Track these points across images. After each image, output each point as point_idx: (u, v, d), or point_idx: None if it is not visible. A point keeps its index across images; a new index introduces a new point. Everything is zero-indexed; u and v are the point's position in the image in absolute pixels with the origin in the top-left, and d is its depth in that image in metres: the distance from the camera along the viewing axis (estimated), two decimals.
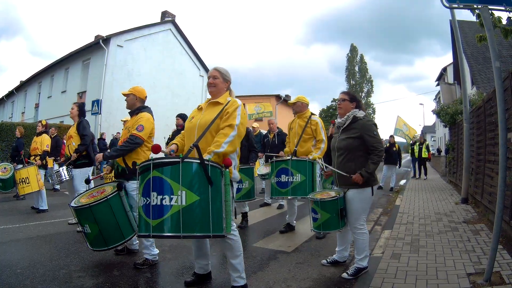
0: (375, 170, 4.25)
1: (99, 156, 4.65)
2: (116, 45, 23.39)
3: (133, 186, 4.52)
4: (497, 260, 4.23)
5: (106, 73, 22.55)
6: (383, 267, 4.51)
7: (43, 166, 8.73)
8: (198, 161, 3.07)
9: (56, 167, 9.38)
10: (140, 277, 4.23)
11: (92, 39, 24.83)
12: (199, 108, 3.89)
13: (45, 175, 8.69)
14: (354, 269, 4.30)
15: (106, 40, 22.94)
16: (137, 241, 5.06)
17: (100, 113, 18.88)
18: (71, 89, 26.12)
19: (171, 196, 2.92)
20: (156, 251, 4.68)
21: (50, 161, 9.97)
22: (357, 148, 4.24)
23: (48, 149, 8.88)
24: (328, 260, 4.79)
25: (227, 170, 3.24)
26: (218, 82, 3.79)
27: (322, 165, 4.78)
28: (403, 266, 4.55)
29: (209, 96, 3.90)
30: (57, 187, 12.00)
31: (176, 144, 3.82)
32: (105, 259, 4.83)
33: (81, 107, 6.93)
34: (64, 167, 6.64)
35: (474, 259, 4.63)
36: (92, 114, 18.25)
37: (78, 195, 4.76)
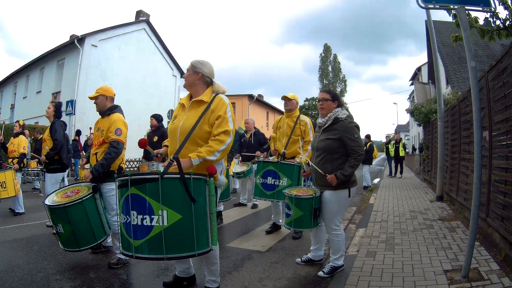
0: (354, 168, 4.13)
1: (88, 175, 4.45)
2: (91, 44, 22.93)
3: (107, 187, 4.50)
4: (474, 257, 4.25)
5: (80, 73, 22.08)
6: (359, 265, 4.48)
7: (20, 169, 8.48)
8: (179, 176, 2.85)
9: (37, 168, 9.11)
10: (116, 279, 4.16)
11: (67, 39, 24.33)
12: (181, 105, 3.59)
13: (22, 178, 8.43)
14: (329, 268, 4.25)
15: (81, 39, 22.47)
16: (110, 240, 4.93)
17: (74, 114, 18.54)
18: (46, 90, 25.56)
19: (152, 216, 2.73)
20: None
21: (34, 163, 9.71)
22: (336, 149, 4.12)
23: (25, 151, 8.65)
24: (303, 259, 4.73)
25: (212, 179, 3.05)
26: (187, 76, 3.53)
27: (306, 161, 4.65)
28: (378, 264, 4.52)
29: (182, 94, 3.72)
30: (38, 185, 11.60)
31: (166, 146, 3.61)
32: (81, 261, 4.76)
33: (57, 107, 6.66)
34: (37, 169, 6.50)
35: (450, 256, 4.62)
36: (66, 114, 17.94)
37: (52, 193, 4.61)
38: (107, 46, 24.21)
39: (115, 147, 4.46)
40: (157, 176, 2.77)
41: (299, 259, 4.75)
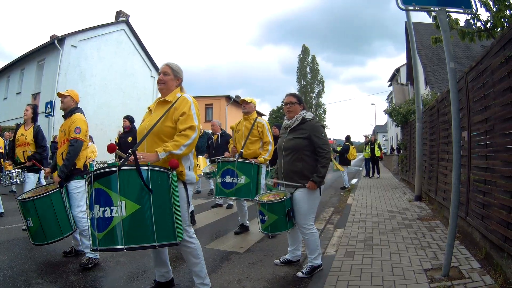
0: (326, 167, 4.20)
1: (57, 179, 4.57)
2: (70, 45, 22.48)
3: (73, 185, 4.65)
4: (455, 256, 4.27)
5: (59, 74, 21.63)
6: (337, 265, 4.45)
7: None
8: (135, 167, 2.87)
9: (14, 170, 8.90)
10: (96, 282, 4.15)
11: (48, 39, 23.86)
12: (149, 109, 3.66)
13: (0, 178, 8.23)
14: (308, 268, 4.24)
15: (61, 40, 22.03)
16: (90, 247, 4.88)
17: (53, 115, 18.20)
18: (26, 91, 25.03)
19: (112, 208, 2.78)
20: None
21: (6, 164, 9.49)
22: (305, 148, 4.21)
23: (2, 150, 8.47)
24: (281, 259, 4.73)
25: (174, 172, 3.08)
26: (168, 79, 3.54)
27: (277, 181, 4.65)
28: (357, 263, 4.50)
29: (159, 95, 3.67)
30: (12, 188, 11.31)
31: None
32: (62, 264, 4.71)
33: (35, 109, 6.66)
34: (16, 170, 6.43)
35: (430, 255, 4.62)
36: (45, 116, 17.70)
37: (25, 192, 4.94)
38: (87, 47, 23.81)
39: (73, 145, 4.60)
40: (115, 169, 2.83)
41: (278, 260, 4.74)
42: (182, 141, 3.16)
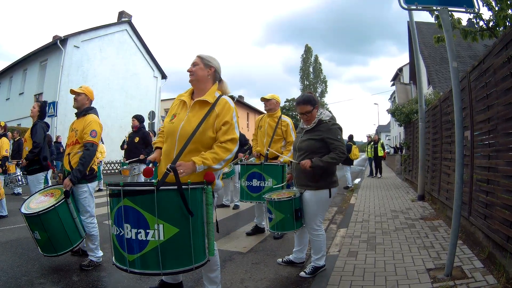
0: (332, 169, 4.15)
1: (68, 183, 4.31)
2: (73, 45, 22.60)
3: (80, 190, 4.47)
4: (457, 255, 4.26)
5: (62, 75, 21.71)
6: (340, 265, 4.45)
7: (3, 172, 8.27)
8: (176, 187, 2.61)
9: (18, 171, 8.90)
10: (99, 282, 4.14)
11: (50, 40, 23.91)
12: (182, 102, 3.26)
13: (4, 180, 8.24)
14: (311, 268, 4.22)
15: (64, 40, 22.12)
16: (114, 262, 4.83)
17: (56, 115, 18.25)
18: (28, 91, 25.14)
19: (147, 231, 2.55)
20: (101, 253, 4.65)
21: (12, 166, 9.52)
22: (318, 149, 4.06)
23: (7, 154, 8.43)
24: (284, 259, 4.71)
25: (210, 187, 2.83)
26: (197, 69, 3.18)
27: (290, 161, 4.58)
28: (360, 263, 4.49)
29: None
30: (19, 190, 11.33)
31: (158, 148, 3.34)
32: (65, 264, 4.70)
33: (42, 107, 6.43)
34: (19, 174, 6.39)
35: (433, 255, 4.62)
36: (48, 116, 17.58)
37: (27, 199, 4.54)
38: (89, 47, 23.89)
39: (89, 149, 4.41)
40: (152, 188, 2.58)
41: (280, 260, 4.73)
42: (223, 156, 2.91)
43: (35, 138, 6.21)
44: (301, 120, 4.32)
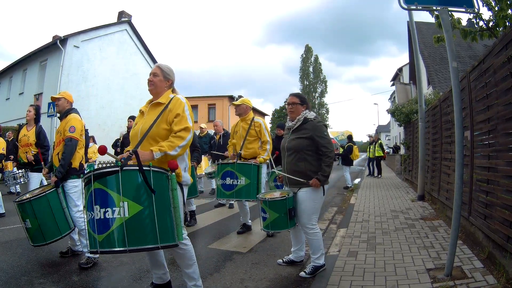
0: (330, 166, 4.21)
1: (54, 179, 4.61)
2: (73, 45, 22.55)
3: (70, 185, 4.70)
4: (457, 255, 4.26)
5: (62, 74, 21.67)
6: (340, 265, 4.46)
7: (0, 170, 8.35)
8: (137, 168, 2.85)
9: (15, 169, 8.92)
10: (98, 282, 4.18)
11: (50, 40, 23.90)
12: (141, 112, 3.63)
13: (2, 178, 8.29)
14: (311, 268, 4.24)
15: (64, 40, 22.09)
16: (79, 243, 5.02)
17: (56, 115, 18.22)
18: (28, 91, 25.07)
19: (114, 208, 2.73)
20: None
21: (9, 164, 9.59)
22: (307, 148, 4.21)
23: (4, 152, 8.50)
24: (284, 260, 4.73)
25: (173, 173, 3.06)
26: (157, 80, 3.52)
27: (278, 172, 4.67)
28: (360, 263, 4.49)
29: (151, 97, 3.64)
30: (17, 188, 11.33)
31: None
32: (64, 264, 4.74)
33: (38, 110, 6.70)
34: (20, 171, 6.50)
35: (433, 255, 4.62)
36: (48, 116, 17.74)
37: (22, 195, 4.82)
38: (89, 47, 23.85)
39: (67, 144, 4.66)
40: (117, 168, 2.79)
41: (281, 260, 4.75)
42: (177, 142, 3.16)
43: (45, 142, 6.56)
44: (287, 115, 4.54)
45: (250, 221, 6.58)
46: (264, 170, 6.19)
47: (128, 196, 2.76)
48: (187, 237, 3.39)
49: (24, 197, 4.58)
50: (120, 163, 3.00)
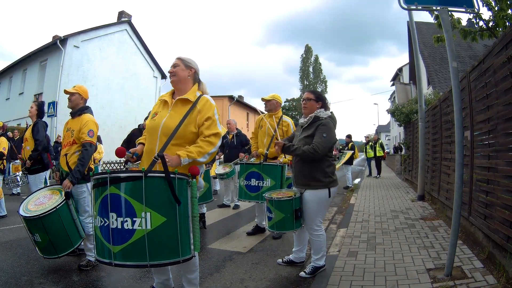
0: (331, 169, 4.13)
1: (68, 184, 4.28)
2: (73, 45, 22.49)
3: (79, 190, 4.47)
4: (457, 255, 4.26)
5: (62, 74, 21.61)
6: (340, 265, 4.45)
7: (1, 171, 8.28)
8: (163, 175, 2.62)
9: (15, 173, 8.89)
10: (98, 282, 4.15)
11: (50, 39, 23.87)
12: (163, 102, 3.34)
13: (3, 179, 8.25)
14: (311, 268, 4.22)
15: (64, 40, 22.03)
16: (94, 256, 4.86)
17: (56, 115, 18.23)
18: (28, 91, 25.02)
19: (134, 219, 2.49)
20: None
21: (18, 166, 9.59)
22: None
23: (5, 151, 8.45)
24: (284, 259, 4.72)
25: (194, 180, 2.85)
26: (178, 70, 3.27)
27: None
28: (360, 263, 4.49)
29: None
30: (18, 190, 11.32)
31: (142, 144, 3.39)
32: (64, 264, 4.72)
33: (40, 107, 6.45)
34: (20, 173, 6.40)
35: (433, 255, 4.62)
36: (48, 116, 17.60)
37: (25, 200, 4.49)
38: (89, 47, 23.80)
39: (87, 149, 4.42)
40: (140, 174, 2.53)
41: (280, 260, 4.74)
42: (207, 149, 2.99)
43: (38, 136, 6.20)
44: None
45: (264, 223, 6.27)
46: (285, 171, 5.93)
47: (151, 206, 2.53)
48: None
49: (30, 207, 4.26)
50: (131, 158, 2.85)
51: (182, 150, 2.91)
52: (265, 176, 5.59)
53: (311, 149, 3.91)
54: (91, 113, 4.73)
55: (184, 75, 3.29)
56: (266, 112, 6.28)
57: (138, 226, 2.49)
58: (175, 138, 3.05)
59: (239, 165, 6.26)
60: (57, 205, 4.20)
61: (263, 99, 6.17)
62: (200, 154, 2.94)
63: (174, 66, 3.31)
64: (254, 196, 5.68)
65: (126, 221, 2.49)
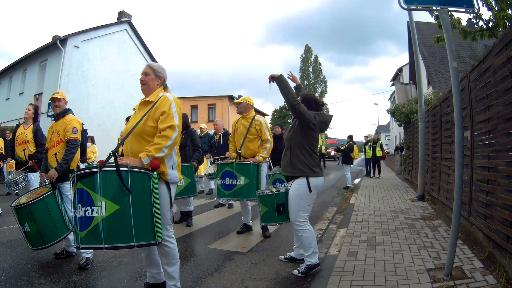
0: (313, 159, 4.25)
1: (54, 174, 4.61)
2: (73, 45, 22.51)
3: (67, 187, 4.73)
4: (457, 255, 4.26)
5: (62, 74, 21.64)
6: (340, 265, 4.45)
7: None
8: (115, 169, 2.95)
9: (13, 171, 8.89)
10: (98, 282, 4.18)
11: (50, 39, 23.88)
12: (134, 110, 3.69)
13: (5, 181, 8.30)
14: (304, 267, 4.26)
15: (63, 40, 22.06)
16: (73, 244, 4.92)
17: (53, 115, 18.19)
18: (28, 91, 25.01)
19: (92, 208, 2.89)
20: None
21: (13, 164, 9.60)
22: (298, 136, 4.27)
23: (3, 151, 8.53)
24: (286, 256, 4.81)
25: (154, 173, 3.13)
26: (148, 80, 3.54)
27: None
28: (360, 263, 4.49)
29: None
30: (17, 191, 11.37)
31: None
32: (64, 264, 4.76)
33: (37, 110, 6.72)
34: (20, 176, 6.49)
35: (433, 255, 4.62)
36: (48, 116, 17.64)
37: (20, 196, 4.81)
38: (89, 47, 23.80)
39: (73, 144, 4.75)
40: (96, 169, 2.94)
41: (282, 256, 4.84)
42: (163, 143, 3.19)
43: (42, 141, 6.46)
44: None
45: (251, 221, 6.58)
46: (264, 169, 6.21)
47: (106, 196, 2.90)
48: (172, 235, 3.45)
49: (21, 201, 4.57)
50: (99, 164, 3.08)
51: (142, 153, 3.17)
52: (238, 175, 5.84)
53: (296, 99, 4.20)
54: (73, 113, 5.09)
55: (153, 84, 3.57)
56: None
57: (96, 213, 2.88)
58: (137, 134, 3.35)
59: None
60: (44, 194, 4.56)
61: (234, 103, 6.44)
62: (158, 150, 3.17)
63: (145, 74, 3.56)
64: (229, 194, 5.97)
65: (87, 210, 2.90)
